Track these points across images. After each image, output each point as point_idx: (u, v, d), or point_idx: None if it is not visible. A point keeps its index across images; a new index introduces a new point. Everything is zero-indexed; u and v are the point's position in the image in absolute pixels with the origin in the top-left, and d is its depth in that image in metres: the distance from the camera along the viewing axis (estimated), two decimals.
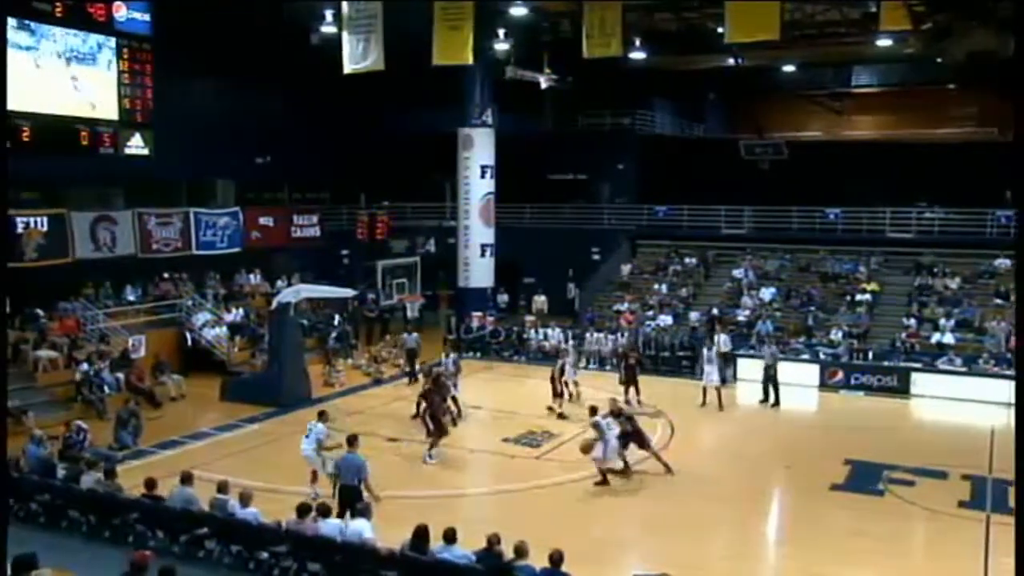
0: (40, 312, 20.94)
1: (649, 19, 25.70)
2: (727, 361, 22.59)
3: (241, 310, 25.05)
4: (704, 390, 20.40)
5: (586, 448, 15.08)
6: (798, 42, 26.61)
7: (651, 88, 34.67)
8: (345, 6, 22.78)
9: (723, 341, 22.67)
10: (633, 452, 15.42)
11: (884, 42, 25.82)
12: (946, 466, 15.72)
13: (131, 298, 23.54)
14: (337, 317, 26.65)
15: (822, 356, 23.12)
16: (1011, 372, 20.02)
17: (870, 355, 22.88)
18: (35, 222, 20.86)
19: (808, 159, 31.80)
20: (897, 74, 35.97)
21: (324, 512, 10.45)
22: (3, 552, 7.43)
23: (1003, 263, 25.33)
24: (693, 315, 26.21)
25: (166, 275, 24.49)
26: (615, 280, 29.94)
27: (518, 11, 24.68)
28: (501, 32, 25.99)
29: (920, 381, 21.64)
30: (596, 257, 31.20)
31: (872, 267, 27.24)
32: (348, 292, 24.21)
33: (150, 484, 11.39)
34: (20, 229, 20.50)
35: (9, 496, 11.87)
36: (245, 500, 10.92)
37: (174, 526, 10.80)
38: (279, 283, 26.41)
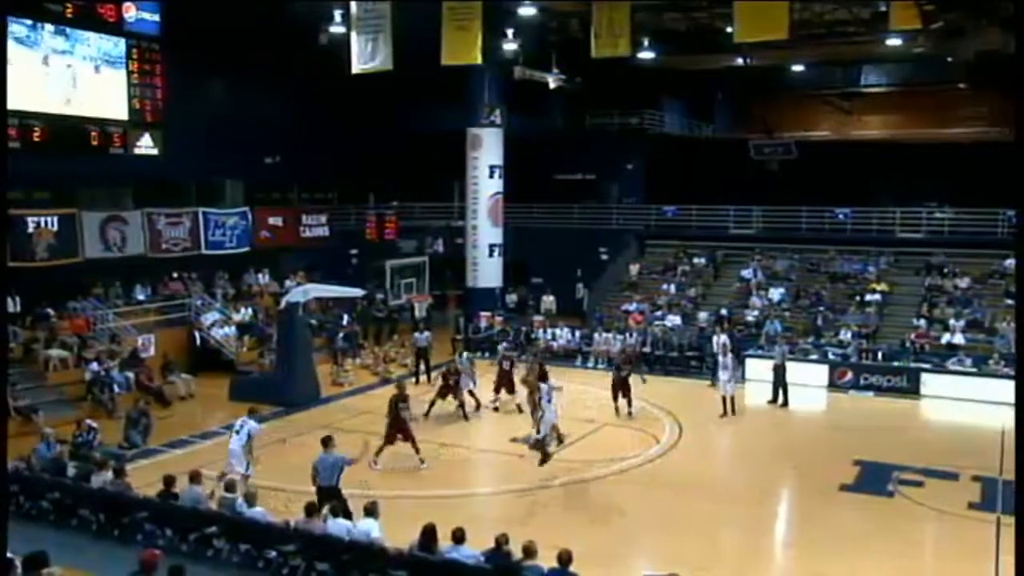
0: (50, 311, 21.03)
1: (658, 19, 25.67)
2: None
3: (250, 310, 25.11)
4: (723, 400, 19.50)
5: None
6: (807, 41, 26.54)
7: (660, 88, 34.65)
8: (354, 6, 22.80)
9: (721, 341, 22.62)
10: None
11: (894, 41, 25.76)
12: (956, 467, 15.66)
13: (140, 298, 23.63)
14: (345, 317, 26.70)
15: (831, 356, 23.03)
16: None
17: (879, 355, 22.77)
18: (46, 222, 20.95)
19: (817, 159, 31.73)
20: (907, 73, 35.87)
21: (334, 512, 10.47)
22: (3, 551, 7.45)
23: (1013, 263, 25.19)
24: (702, 315, 26.17)
25: (175, 275, 24.57)
26: (623, 280, 29.90)
27: (527, 11, 24.69)
28: (510, 32, 25.97)
29: (930, 382, 21.53)
30: (604, 257, 31.18)
31: (882, 267, 27.14)
32: (357, 292, 24.24)
33: (168, 481, 11.44)
34: (31, 229, 20.60)
35: (13, 494, 11.95)
36: (251, 500, 10.95)
37: (183, 525, 10.83)
38: (288, 283, 26.46)
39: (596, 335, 25.45)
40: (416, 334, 23.58)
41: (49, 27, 20.65)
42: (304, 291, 22.08)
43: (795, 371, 21.36)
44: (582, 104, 33.89)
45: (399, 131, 29.83)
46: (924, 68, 33.62)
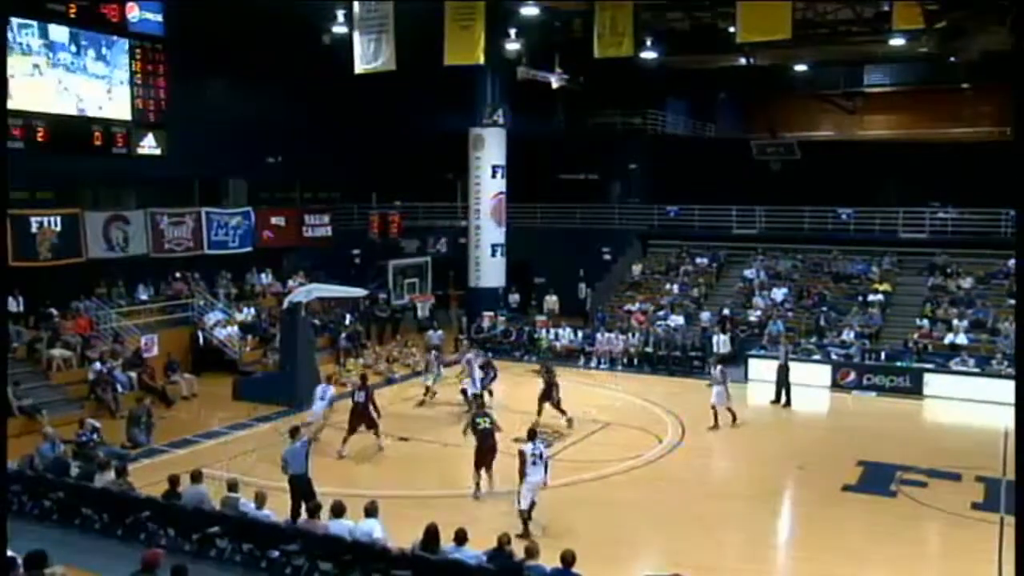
0: (54, 311, 21.06)
1: (661, 19, 25.68)
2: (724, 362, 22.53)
3: (252, 309, 25.13)
4: (714, 411, 18.56)
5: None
6: (810, 41, 26.53)
7: (663, 88, 34.63)
8: (357, 6, 22.85)
9: (721, 343, 22.63)
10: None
11: (897, 41, 25.69)
12: (959, 468, 15.63)
13: (143, 297, 23.67)
14: (348, 317, 26.71)
15: (834, 357, 23.00)
16: None
17: (882, 356, 22.75)
18: (49, 221, 21.00)
19: (820, 159, 31.70)
20: (910, 73, 35.83)
21: (337, 511, 10.47)
22: (3, 549, 7.46)
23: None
24: (704, 315, 26.16)
25: (178, 274, 24.59)
26: (626, 280, 29.91)
27: (529, 11, 24.68)
28: (512, 32, 25.98)
29: (933, 382, 21.50)
30: (607, 257, 31.17)
31: (885, 267, 27.12)
32: (359, 292, 24.26)
33: (173, 481, 11.47)
34: (34, 228, 20.65)
35: (17, 494, 11.99)
36: (260, 501, 10.95)
37: (186, 524, 10.85)
38: (291, 282, 26.48)
39: (599, 335, 25.45)
40: (430, 332, 23.98)
41: (52, 27, 20.67)
42: (307, 291, 22.09)
43: (798, 371, 21.33)
44: (585, 104, 33.87)
45: (402, 131, 29.84)
46: (927, 68, 33.60)
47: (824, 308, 25.50)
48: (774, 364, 21.15)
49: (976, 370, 21.51)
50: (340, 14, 23.70)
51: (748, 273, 28.23)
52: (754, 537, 13.06)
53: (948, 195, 27.95)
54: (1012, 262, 25.17)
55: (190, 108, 23.85)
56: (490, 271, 29.46)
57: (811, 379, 22.05)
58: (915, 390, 21.52)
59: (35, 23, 20.33)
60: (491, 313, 27.76)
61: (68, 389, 19.46)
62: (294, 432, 12.83)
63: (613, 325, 26.23)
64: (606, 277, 30.44)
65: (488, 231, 29.27)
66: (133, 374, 20.24)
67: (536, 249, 30.26)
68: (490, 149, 28.87)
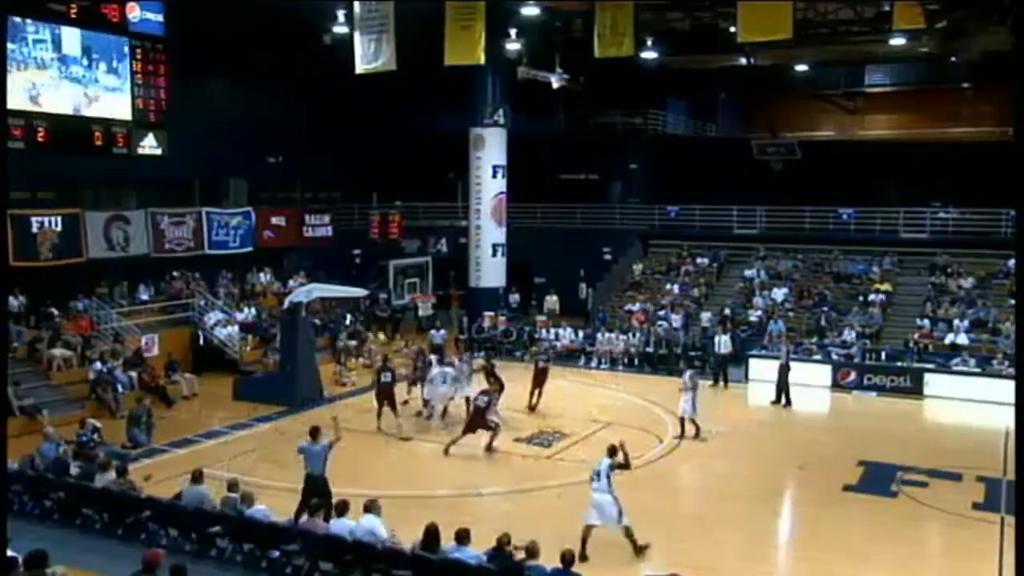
0: (55, 311, 21.07)
1: (661, 19, 25.64)
2: (725, 362, 22.55)
3: (253, 309, 25.13)
4: (681, 421, 17.66)
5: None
6: (811, 41, 26.50)
7: (663, 88, 34.64)
8: (357, 6, 22.82)
9: (723, 343, 22.61)
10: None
11: (898, 41, 25.66)
12: (960, 468, 15.62)
13: (144, 297, 23.65)
14: (349, 317, 26.71)
15: (834, 357, 23.00)
16: None
17: (883, 356, 22.74)
18: (50, 221, 21.00)
19: (821, 159, 31.71)
20: (911, 73, 35.82)
21: (341, 510, 10.48)
22: (3, 550, 7.47)
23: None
24: (705, 315, 26.14)
25: (179, 274, 24.59)
26: (627, 280, 29.90)
27: (530, 11, 24.64)
28: (513, 32, 25.96)
29: (933, 382, 21.48)
30: (608, 257, 31.18)
31: (885, 267, 27.11)
32: (360, 292, 24.27)
33: (232, 486, 11.47)
34: (35, 228, 20.65)
35: (17, 493, 12.00)
36: (248, 500, 10.93)
37: (186, 524, 10.85)
38: (291, 282, 26.49)
39: (599, 335, 25.45)
40: (433, 331, 24.00)
41: (53, 27, 20.67)
42: (307, 291, 22.09)
43: (799, 371, 21.33)
44: (585, 104, 33.89)
45: (402, 131, 29.86)
46: (928, 68, 33.60)
47: (825, 308, 25.49)
48: (775, 364, 21.13)
49: (977, 370, 21.50)
50: (341, 14, 23.69)
51: (749, 273, 28.23)
52: (754, 537, 13.05)
53: (949, 195, 27.95)
54: (1013, 262, 25.17)
55: (191, 108, 23.86)
56: (491, 271, 29.46)
57: (812, 379, 22.04)
58: (916, 390, 21.50)
59: (36, 23, 20.32)
60: (492, 313, 27.75)
61: (68, 389, 19.46)
62: (315, 432, 12.56)
63: (614, 325, 26.23)
64: (607, 277, 30.44)
65: (489, 231, 29.27)
66: (133, 374, 20.23)
67: (537, 249, 30.25)
68: (491, 149, 28.88)
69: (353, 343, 24.89)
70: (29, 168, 20.59)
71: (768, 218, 29.54)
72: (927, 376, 21.58)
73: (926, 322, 23.91)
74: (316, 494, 11.69)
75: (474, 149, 28.96)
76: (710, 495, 14.66)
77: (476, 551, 9.40)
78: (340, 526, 10.26)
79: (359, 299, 25.98)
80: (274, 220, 27.78)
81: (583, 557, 10.78)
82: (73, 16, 21.07)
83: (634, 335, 25.18)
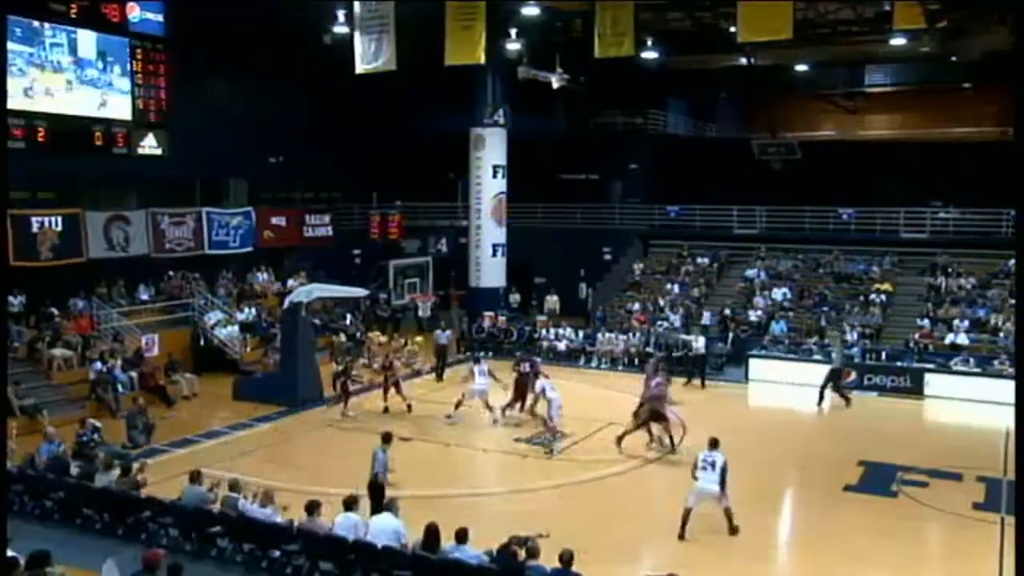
0: (55, 311, 21.07)
1: (661, 19, 25.64)
2: (701, 361, 22.56)
3: (253, 310, 25.13)
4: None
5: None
6: (811, 41, 26.50)
7: (663, 88, 34.64)
8: (357, 6, 22.84)
9: (699, 342, 22.65)
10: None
11: (898, 41, 25.68)
12: (960, 468, 15.61)
13: (144, 297, 23.65)
14: (349, 317, 26.70)
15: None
16: None
17: (883, 356, 22.73)
18: (50, 221, 20.99)
19: (821, 159, 31.70)
20: (911, 73, 35.80)
21: (348, 505, 10.48)
22: (3, 550, 7.47)
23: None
24: (705, 315, 26.12)
25: (179, 274, 24.58)
26: (627, 280, 29.90)
27: (530, 11, 24.66)
28: (513, 32, 25.96)
29: (934, 382, 21.46)
30: (608, 257, 31.17)
31: (886, 267, 27.10)
32: (360, 292, 24.27)
33: (232, 486, 11.49)
34: (35, 228, 20.64)
35: (18, 493, 12.00)
36: (265, 500, 10.95)
37: (187, 524, 10.85)
38: (291, 282, 26.49)
39: (599, 335, 25.44)
40: (438, 331, 23.96)
41: (54, 27, 20.68)
42: (307, 291, 22.09)
43: (798, 371, 21.30)
44: (586, 104, 33.88)
45: (402, 131, 29.86)
46: (929, 68, 33.56)
47: (825, 308, 25.48)
48: (775, 364, 21.07)
49: (977, 370, 21.48)
50: (341, 14, 23.69)
51: (749, 273, 28.22)
52: (755, 537, 13.03)
53: (949, 195, 27.95)
54: (1013, 262, 25.16)
55: (191, 108, 23.87)
56: (491, 271, 29.47)
57: (811, 379, 22.01)
58: (916, 390, 21.49)
59: (36, 23, 20.32)
60: (492, 313, 27.74)
61: (69, 389, 19.45)
62: (387, 438, 13.17)
63: (614, 325, 26.22)
64: (607, 277, 30.43)
65: (489, 231, 29.27)
66: (134, 374, 20.23)
67: (537, 249, 30.25)
68: (491, 149, 28.88)
69: (352, 345, 24.88)
70: (29, 168, 20.59)
71: (768, 218, 29.53)
72: (927, 376, 21.56)
73: (926, 322, 23.90)
74: (379, 496, 11.93)
75: (474, 149, 28.96)
76: None
77: (476, 551, 9.39)
78: (348, 521, 10.24)
79: (360, 299, 25.96)
80: (274, 220, 27.77)
81: (681, 536, 12.16)
82: (73, 16, 21.07)
83: (634, 335, 25.17)
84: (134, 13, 22.28)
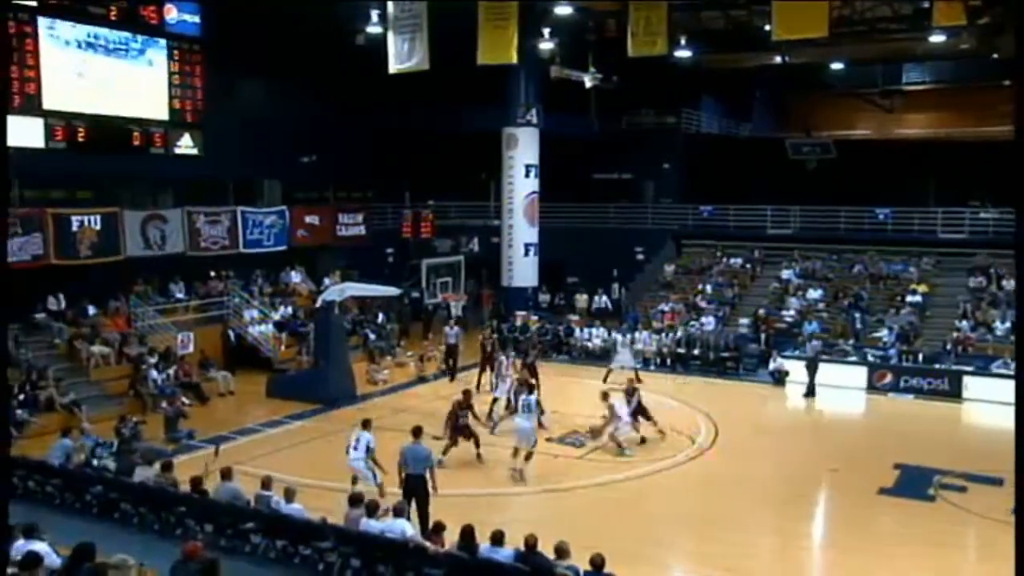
0: (93, 308, 21.41)
1: (695, 17, 25.50)
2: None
3: (289, 308, 25.35)
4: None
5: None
6: (847, 39, 26.19)
7: (697, 87, 34.40)
8: (391, 6, 22.91)
9: (644, 339, 22.61)
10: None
11: (937, 38, 25.26)
12: (1000, 472, 15.32)
13: (180, 295, 23.95)
14: (382, 315, 26.84)
15: (870, 358, 22.70)
16: None
17: (920, 358, 22.41)
18: (89, 220, 21.32)
19: (857, 158, 31.30)
20: (949, 71, 35.26)
21: (371, 510, 10.52)
22: (4, 543, 7.59)
23: None
24: (741, 318, 25.92)
25: (214, 273, 24.87)
26: (659, 280, 29.76)
27: (563, 10, 24.63)
28: (546, 31, 25.95)
29: (972, 385, 21.14)
30: (640, 257, 31.05)
31: (923, 268, 26.71)
32: (393, 291, 24.37)
33: (265, 483, 11.54)
34: (75, 227, 20.97)
35: (57, 488, 12.21)
36: (290, 496, 11.07)
37: (221, 520, 10.97)
38: (325, 281, 26.69)
39: (632, 334, 25.31)
40: (446, 328, 23.69)
41: (93, 29, 20.99)
42: (340, 290, 22.25)
43: (833, 372, 21.07)
44: (619, 103, 33.71)
45: (435, 130, 29.92)
46: (967, 65, 33.03)
47: (860, 309, 25.17)
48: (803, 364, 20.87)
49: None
50: (374, 14, 23.81)
51: (783, 274, 27.96)
52: (787, 539, 12.95)
53: (989, 195, 27.47)
54: None
55: (226, 108, 24.14)
56: (523, 271, 29.50)
57: (847, 380, 21.80)
58: (954, 393, 21.18)
59: (75, 25, 20.64)
60: (523, 312, 27.75)
61: (106, 385, 19.80)
62: (417, 432, 12.70)
63: (646, 325, 26.11)
64: (639, 277, 30.31)
65: (521, 230, 29.28)
66: (169, 371, 20.51)
67: (569, 249, 30.21)
68: (523, 148, 28.90)
69: (383, 344, 25.01)
70: (69, 168, 20.93)
71: (803, 218, 29.24)
72: (966, 379, 21.24)
73: (965, 324, 23.52)
74: (415, 495, 11.89)
75: (507, 148, 28.99)
76: (743, 496, 14.53)
77: (509, 550, 9.39)
78: (370, 527, 10.29)
79: (394, 298, 26.09)
80: (308, 219, 27.96)
81: None
82: (112, 18, 21.38)
83: (666, 335, 25.05)
84: (171, 15, 22.55)
